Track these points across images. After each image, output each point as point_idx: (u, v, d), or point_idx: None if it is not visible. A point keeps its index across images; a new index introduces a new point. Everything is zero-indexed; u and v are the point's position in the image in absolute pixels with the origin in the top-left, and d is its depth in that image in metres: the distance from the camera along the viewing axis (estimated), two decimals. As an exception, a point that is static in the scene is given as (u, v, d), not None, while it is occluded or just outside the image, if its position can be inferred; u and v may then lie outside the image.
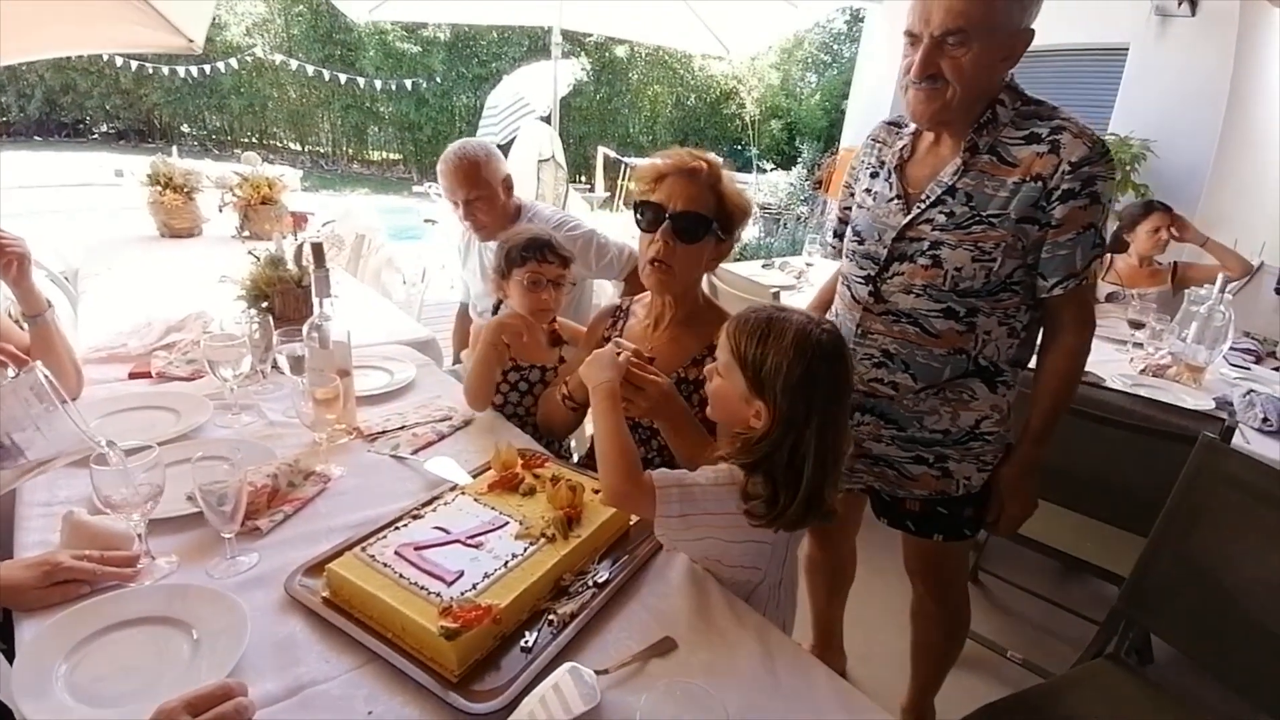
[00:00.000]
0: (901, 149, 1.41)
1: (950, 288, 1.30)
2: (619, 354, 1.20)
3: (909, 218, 1.34)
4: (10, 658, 0.88)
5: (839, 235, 1.60)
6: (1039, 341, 1.41)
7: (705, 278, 3.00)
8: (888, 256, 1.37)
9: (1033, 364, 1.43)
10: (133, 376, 1.72)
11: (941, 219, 1.30)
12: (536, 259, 1.62)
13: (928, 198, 1.32)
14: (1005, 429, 1.43)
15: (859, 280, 1.43)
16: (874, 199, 1.43)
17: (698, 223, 1.35)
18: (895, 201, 1.37)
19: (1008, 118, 1.27)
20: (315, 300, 1.40)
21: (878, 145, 1.49)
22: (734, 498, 1.05)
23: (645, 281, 1.44)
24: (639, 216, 1.39)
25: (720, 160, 1.42)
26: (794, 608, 1.26)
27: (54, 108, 11.56)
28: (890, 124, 1.49)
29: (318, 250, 1.38)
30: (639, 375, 1.22)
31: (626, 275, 2.28)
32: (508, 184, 2.17)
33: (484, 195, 2.09)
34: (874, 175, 1.46)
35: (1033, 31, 1.24)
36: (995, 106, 1.27)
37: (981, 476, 1.44)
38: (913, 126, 1.40)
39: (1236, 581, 1.35)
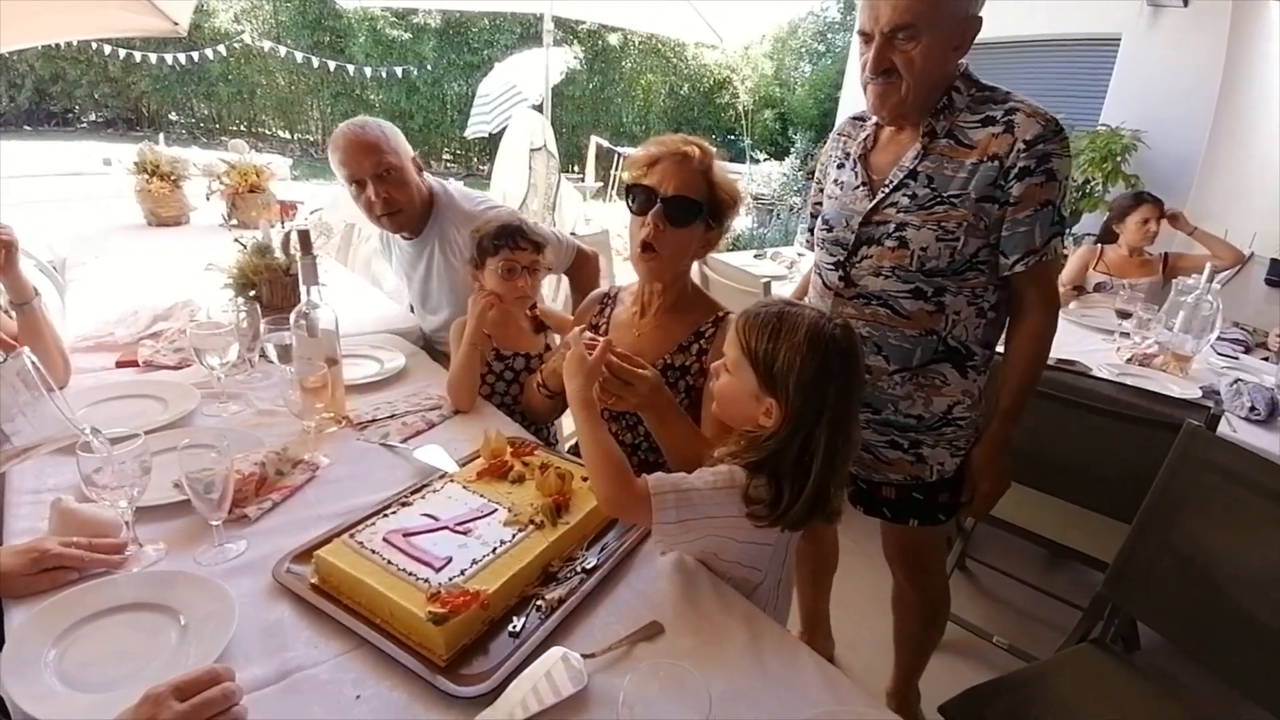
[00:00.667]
0: (865, 139, 1.47)
1: (917, 268, 1.34)
2: (591, 354, 1.15)
3: (874, 202, 1.38)
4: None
5: (813, 230, 1.63)
6: (1006, 323, 1.45)
7: (696, 266, 3.00)
8: (855, 241, 1.41)
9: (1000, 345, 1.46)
10: (120, 365, 1.71)
11: (905, 201, 1.35)
12: (509, 246, 1.62)
13: (891, 182, 1.37)
14: (977, 414, 1.47)
15: (829, 267, 1.47)
16: (841, 189, 1.48)
17: (689, 207, 1.36)
18: (861, 189, 1.42)
19: (963, 103, 1.33)
20: (303, 288, 1.39)
21: (843, 138, 1.55)
22: (734, 501, 1.02)
23: (635, 269, 1.45)
24: (630, 200, 1.40)
25: (713, 150, 1.43)
26: (789, 603, 1.27)
27: (43, 97, 11.43)
28: (855, 118, 1.55)
29: (304, 237, 1.38)
30: (626, 370, 1.20)
31: (571, 269, 2.10)
32: (417, 163, 1.92)
33: (395, 168, 1.82)
34: (840, 166, 1.52)
35: (980, 19, 1.30)
36: (951, 93, 1.33)
37: (954, 462, 1.47)
38: (875, 118, 1.45)
39: (1219, 567, 1.37)
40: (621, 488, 1.02)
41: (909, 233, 1.33)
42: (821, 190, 1.60)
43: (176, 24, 2.99)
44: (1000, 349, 1.46)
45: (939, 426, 1.44)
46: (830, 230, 1.47)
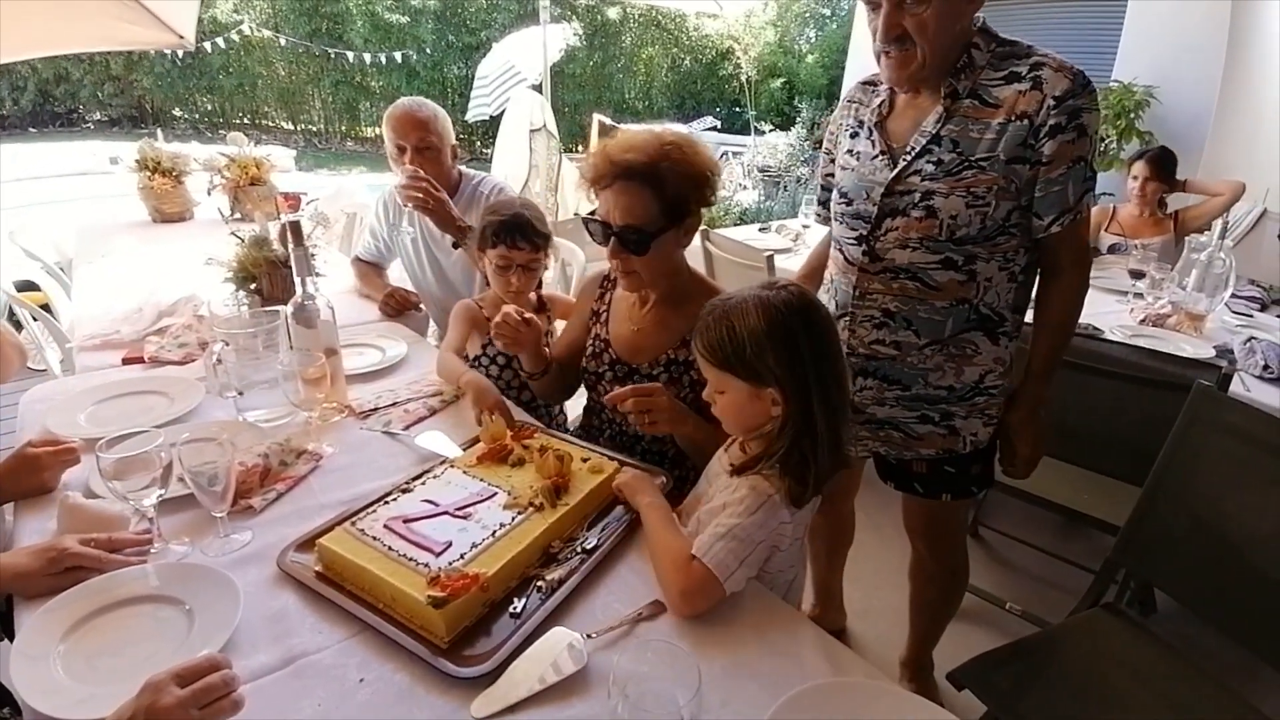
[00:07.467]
0: (879, 105, 1.39)
1: (947, 237, 1.28)
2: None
3: (896, 171, 1.32)
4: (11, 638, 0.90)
5: (824, 203, 1.59)
6: (1035, 284, 1.40)
7: (699, 243, 2.95)
8: (878, 213, 1.34)
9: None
10: (126, 362, 1.73)
11: (930, 168, 1.28)
12: (507, 243, 1.61)
13: (913, 149, 1.30)
14: (1009, 381, 1.42)
15: (851, 241, 1.40)
16: (857, 159, 1.41)
17: (641, 236, 1.33)
18: (880, 158, 1.36)
19: (984, 60, 1.26)
20: (297, 280, 1.39)
21: (854, 105, 1.47)
22: (773, 514, 1.02)
23: (620, 284, 1.46)
24: (589, 231, 1.39)
25: (669, 138, 1.34)
26: (804, 583, 1.25)
27: (47, 98, 11.47)
28: (865, 83, 1.47)
29: (296, 229, 1.37)
30: (642, 388, 1.25)
31: None
32: (454, 151, 2.16)
33: (434, 147, 2.05)
34: (854, 135, 1.44)
35: None
36: (970, 50, 1.26)
37: (988, 431, 1.43)
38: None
39: (1233, 528, 1.35)
40: (687, 575, 0.97)
41: (937, 201, 1.27)
42: (833, 161, 1.53)
43: (182, 37, 2.94)
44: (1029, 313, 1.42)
45: (971, 396, 1.39)
46: (849, 204, 1.41)
